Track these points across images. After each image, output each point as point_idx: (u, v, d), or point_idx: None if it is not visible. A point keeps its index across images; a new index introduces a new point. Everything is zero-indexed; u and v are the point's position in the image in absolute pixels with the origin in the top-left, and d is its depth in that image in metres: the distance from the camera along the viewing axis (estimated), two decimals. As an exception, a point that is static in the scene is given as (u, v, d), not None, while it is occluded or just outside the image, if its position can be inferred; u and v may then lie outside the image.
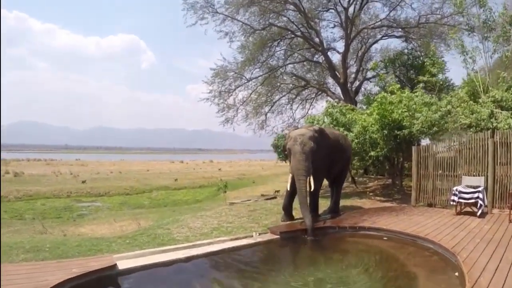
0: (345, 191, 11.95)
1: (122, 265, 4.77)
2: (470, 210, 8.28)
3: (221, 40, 18.63)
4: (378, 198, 11.67)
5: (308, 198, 7.41)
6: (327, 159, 8.20)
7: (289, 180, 7.83)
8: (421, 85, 12.25)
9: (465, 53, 11.10)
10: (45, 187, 22.22)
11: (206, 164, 53.16)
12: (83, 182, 25.06)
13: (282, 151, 9.38)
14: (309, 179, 7.42)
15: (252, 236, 6.74)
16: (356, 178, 16.05)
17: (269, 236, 6.69)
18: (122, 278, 4.60)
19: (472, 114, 9.86)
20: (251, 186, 24.31)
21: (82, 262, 4.63)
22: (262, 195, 16.76)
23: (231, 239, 6.42)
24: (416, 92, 11.62)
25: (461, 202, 8.26)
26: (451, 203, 8.51)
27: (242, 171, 38.09)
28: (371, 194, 12.39)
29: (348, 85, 20.16)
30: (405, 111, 10.72)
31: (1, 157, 38.29)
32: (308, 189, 7.39)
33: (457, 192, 8.24)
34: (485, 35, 11.24)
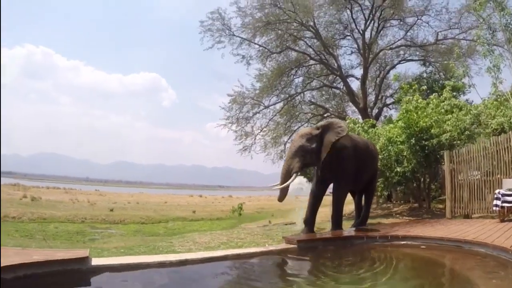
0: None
1: (97, 261, 4.03)
2: None
3: (241, 76, 18.81)
4: (407, 218, 10.67)
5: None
6: (351, 162, 7.42)
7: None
8: (448, 88, 11.50)
9: (490, 53, 10.49)
10: (61, 212, 21.98)
11: (225, 199, 52.30)
12: (111, 210, 24.80)
13: None
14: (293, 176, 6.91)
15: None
16: (380, 201, 15.12)
17: (284, 246, 5.75)
18: (93, 275, 3.82)
19: (505, 117, 9.06)
20: (270, 219, 23.48)
21: (48, 253, 3.93)
22: (270, 222, 15.91)
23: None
24: (443, 95, 10.97)
25: (504, 207, 7.22)
26: (494, 208, 7.47)
27: (261, 205, 37.17)
28: (397, 215, 11.43)
29: (368, 110, 19.63)
30: (433, 116, 10.00)
31: (21, 184, 39.11)
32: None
33: (500, 196, 7.23)
34: (508, 37, 10.70)
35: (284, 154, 20.68)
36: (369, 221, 9.63)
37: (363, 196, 8.75)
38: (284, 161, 7.23)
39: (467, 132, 9.81)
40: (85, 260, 3.88)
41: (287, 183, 6.91)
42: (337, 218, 7.46)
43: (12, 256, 3.54)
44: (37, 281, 3.42)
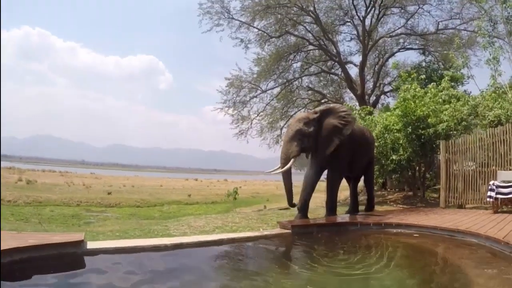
0: (362, 202, 11.18)
1: (92, 245, 4.06)
2: (509, 209, 7.39)
3: (239, 60, 18.48)
4: (401, 206, 10.78)
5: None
6: (335, 143, 7.27)
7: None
8: (447, 78, 11.51)
9: (490, 45, 10.47)
10: (56, 195, 21.97)
11: (221, 182, 52.43)
12: (109, 193, 24.82)
13: None
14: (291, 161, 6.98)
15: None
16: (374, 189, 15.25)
17: (278, 231, 5.78)
18: (88, 258, 3.83)
19: (502, 110, 9.11)
20: (265, 203, 23.64)
21: (44, 236, 3.95)
22: (265, 207, 16.07)
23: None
24: (442, 85, 10.97)
25: (498, 198, 7.31)
26: (488, 199, 7.56)
27: (256, 190, 37.33)
28: (392, 203, 11.54)
29: (366, 97, 19.58)
30: (431, 106, 10.03)
31: (17, 167, 38.84)
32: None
33: (494, 187, 7.31)
34: (509, 30, 10.68)
35: (280, 139, 20.70)
36: (362, 206, 9.73)
37: (364, 183, 8.88)
38: (281, 146, 7.16)
39: (464, 123, 9.87)
40: (80, 243, 3.89)
41: (286, 167, 6.91)
42: (331, 204, 7.51)
43: (8, 240, 3.54)
44: (32, 264, 3.42)
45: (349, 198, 9.41)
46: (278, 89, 20.26)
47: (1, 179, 23.18)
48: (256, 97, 19.98)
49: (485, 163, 8.60)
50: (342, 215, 7.75)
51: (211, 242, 4.83)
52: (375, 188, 15.73)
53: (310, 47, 19.82)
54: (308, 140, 7.03)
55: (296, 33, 19.14)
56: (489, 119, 9.29)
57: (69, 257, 3.75)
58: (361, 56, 19.04)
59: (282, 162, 6.98)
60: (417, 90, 10.61)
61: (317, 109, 7.63)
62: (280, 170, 7.00)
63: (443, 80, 11.59)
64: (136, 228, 6.50)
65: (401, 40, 19.89)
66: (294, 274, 4.11)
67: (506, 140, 8.04)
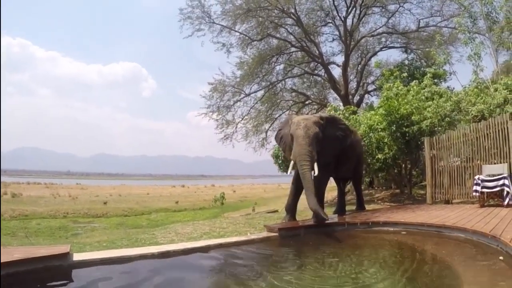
0: (350, 201, 11.23)
1: (79, 256, 3.99)
2: (495, 202, 7.45)
3: (222, 65, 18.43)
4: (388, 204, 10.85)
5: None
6: (333, 153, 7.41)
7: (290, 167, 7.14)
8: (429, 75, 11.64)
9: (471, 41, 10.66)
10: (42, 207, 21.52)
11: (208, 188, 52.22)
12: (105, 203, 24.36)
13: (278, 139, 8.10)
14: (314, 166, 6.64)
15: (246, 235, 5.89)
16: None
17: (265, 234, 5.73)
18: (75, 270, 3.76)
19: (485, 104, 9.23)
20: (253, 207, 23.61)
21: (30, 250, 3.91)
22: (253, 211, 16.01)
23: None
24: (424, 82, 11.10)
25: (484, 192, 7.39)
26: (474, 194, 7.64)
27: (244, 194, 37.27)
28: (379, 201, 11.62)
29: (350, 97, 19.73)
30: (414, 103, 10.13)
31: (2, 181, 37.76)
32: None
33: (479, 181, 7.39)
34: (489, 26, 10.89)
35: (266, 142, 20.69)
36: (351, 207, 9.77)
37: (353, 184, 8.94)
38: (297, 146, 6.75)
39: (447, 119, 9.97)
40: (66, 256, 3.85)
41: (316, 172, 6.67)
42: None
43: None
44: (19, 279, 3.39)
45: (337, 198, 9.44)
46: (262, 92, 20.25)
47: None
48: (240, 101, 19.90)
49: (470, 158, 8.68)
50: (329, 216, 7.73)
51: (198, 248, 4.78)
52: (362, 187, 15.88)
53: (293, 49, 19.89)
54: (318, 145, 6.96)
55: (278, 35, 19.18)
56: (472, 114, 9.38)
57: (55, 270, 3.72)
58: (343, 57, 19.17)
59: (306, 164, 6.56)
60: (399, 88, 10.72)
61: (323, 115, 7.56)
62: (315, 174, 6.68)
63: (425, 77, 11.70)
64: (124, 237, 6.40)
65: (383, 39, 20.09)
66: (279, 279, 4.04)
67: (490, 135, 8.09)
